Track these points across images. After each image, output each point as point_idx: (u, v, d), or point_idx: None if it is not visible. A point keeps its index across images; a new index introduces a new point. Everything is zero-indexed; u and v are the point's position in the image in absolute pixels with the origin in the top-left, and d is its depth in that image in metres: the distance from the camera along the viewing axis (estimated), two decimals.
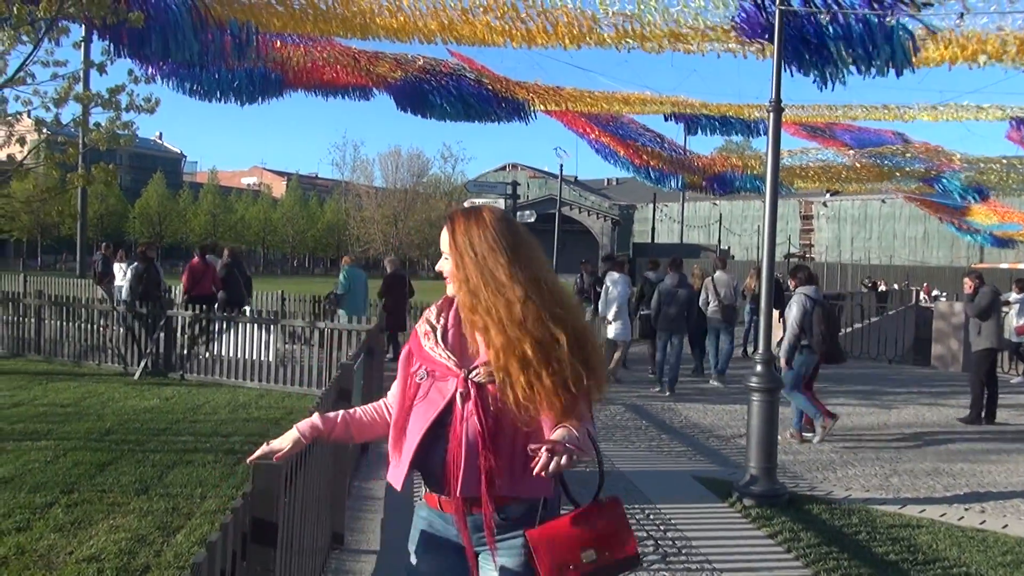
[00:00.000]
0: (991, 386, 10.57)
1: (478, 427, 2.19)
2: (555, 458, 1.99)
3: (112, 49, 9.22)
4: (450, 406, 2.25)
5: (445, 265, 2.36)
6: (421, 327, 2.42)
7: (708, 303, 13.63)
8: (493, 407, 2.21)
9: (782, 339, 9.29)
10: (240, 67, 11.09)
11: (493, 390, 2.21)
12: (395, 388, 2.45)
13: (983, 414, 10.51)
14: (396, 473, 2.35)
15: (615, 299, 12.43)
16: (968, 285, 11.12)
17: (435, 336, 2.35)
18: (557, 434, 2.08)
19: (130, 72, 9.74)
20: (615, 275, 12.66)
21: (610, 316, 12.38)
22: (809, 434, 9.13)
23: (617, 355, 12.51)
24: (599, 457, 2.25)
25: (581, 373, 2.17)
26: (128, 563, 4.75)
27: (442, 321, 2.39)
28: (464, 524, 2.27)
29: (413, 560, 2.44)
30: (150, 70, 10.19)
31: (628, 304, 13.06)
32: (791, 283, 9.77)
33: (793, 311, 9.08)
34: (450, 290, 2.38)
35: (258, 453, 2.48)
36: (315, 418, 2.52)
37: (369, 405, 2.60)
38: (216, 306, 12.73)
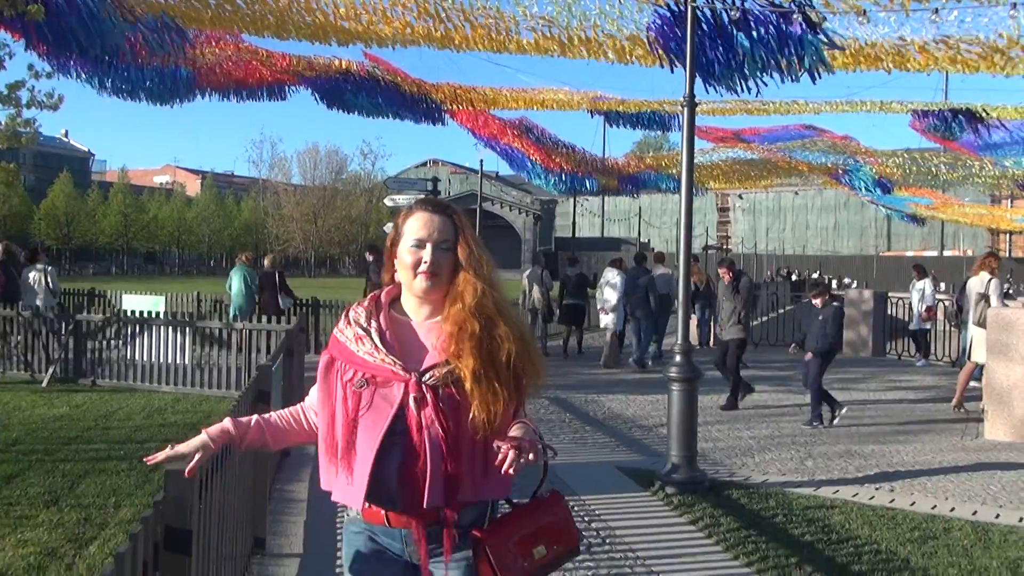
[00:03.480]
0: (738, 374, 10.55)
1: (441, 434, 2.08)
2: (522, 455, 2.01)
3: (25, 43, 8.80)
4: (400, 413, 2.12)
5: (444, 257, 2.19)
6: (348, 331, 2.24)
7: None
8: (451, 412, 2.11)
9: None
10: (150, 66, 10.71)
11: (448, 393, 2.11)
12: (318, 397, 2.28)
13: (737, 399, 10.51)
14: (353, 493, 2.14)
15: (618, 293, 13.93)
16: (725, 275, 10.75)
17: (372, 340, 2.19)
18: (518, 431, 2.11)
19: (30, 67, 9.34)
20: (613, 271, 14.16)
21: (610, 307, 13.94)
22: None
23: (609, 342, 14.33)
24: (544, 453, 2.19)
25: (524, 372, 2.18)
26: None
27: (375, 324, 2.23)
28: (423, 536, 2.14)
29: None
30: (54, 64, 9.76)
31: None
32: None
33: None
34: (417, 285, 2.21)
35: (161, 457, 2.29)
36: (227, 423, 2.36)
37: (286, 410, 2.46)
38: None
